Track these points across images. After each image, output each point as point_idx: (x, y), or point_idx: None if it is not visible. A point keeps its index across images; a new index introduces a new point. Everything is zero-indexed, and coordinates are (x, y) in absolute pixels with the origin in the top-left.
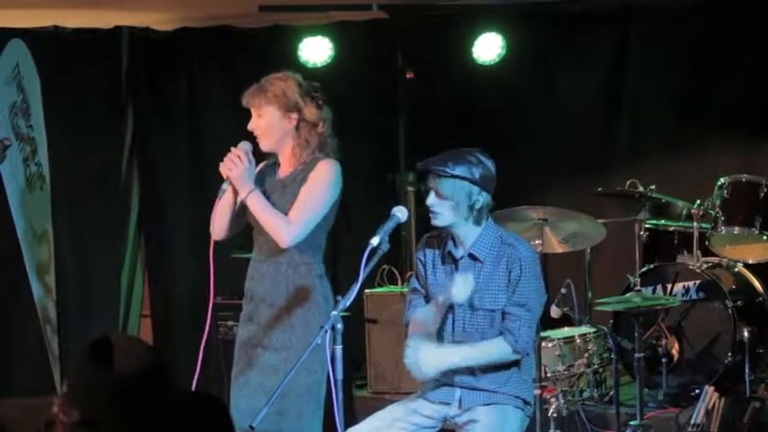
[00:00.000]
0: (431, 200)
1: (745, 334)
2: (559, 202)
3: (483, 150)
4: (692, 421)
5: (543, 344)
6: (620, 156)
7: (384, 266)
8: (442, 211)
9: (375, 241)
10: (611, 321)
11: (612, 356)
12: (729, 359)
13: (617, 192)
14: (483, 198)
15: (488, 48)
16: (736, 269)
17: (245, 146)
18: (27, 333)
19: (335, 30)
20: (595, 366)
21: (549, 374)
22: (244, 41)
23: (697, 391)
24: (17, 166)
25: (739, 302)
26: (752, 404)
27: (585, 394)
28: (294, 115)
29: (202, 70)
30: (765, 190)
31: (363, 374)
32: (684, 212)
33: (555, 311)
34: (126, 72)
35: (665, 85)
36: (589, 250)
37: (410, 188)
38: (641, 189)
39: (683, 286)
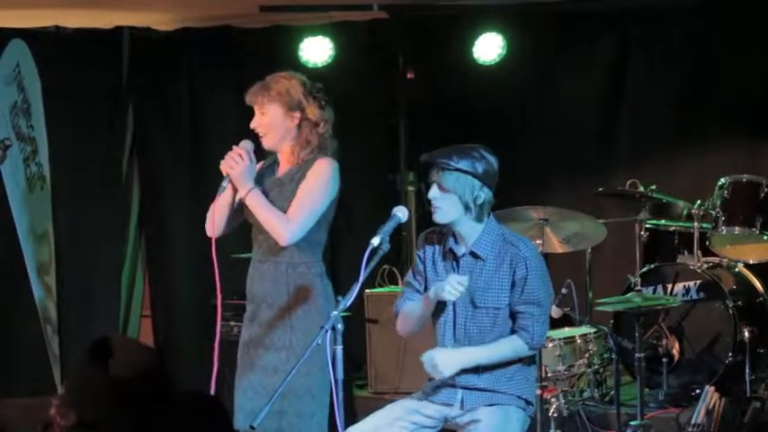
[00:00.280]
0: (433, 193)
1: (746, 334)
2: (560, 202)
3: (487, 147)
4: (693, 421)
5: (544, 344)
6: (621, 156)
7: (384, 266)
8: (444, 206)
9: (376, 241)
10: (612, 321)
11: (613, 356)
12: (730, 359)
13: (617, 192)
14: (485, 194)
15: (489, 48)
16: (736, 269)
17: (246, 144)
18: (28, 333)
19: (336, 30)
20: (596, 366)
21: (549, 374)
22: (244, 42)
23: (698, 391)
24: (18, 166)
25: (740, 302)
26: (752, 404)
27: (586, 394)
28: (296, 114)
29: (203, 70)
30: (766, 190)
31: (364, 374)
32: (685, 212)
33: (555, 311)
34: (127, 72)
35: (666, 84)
36: (590, 250)
37: (411, 188)
38: (642, 189)
39: (684, 286)
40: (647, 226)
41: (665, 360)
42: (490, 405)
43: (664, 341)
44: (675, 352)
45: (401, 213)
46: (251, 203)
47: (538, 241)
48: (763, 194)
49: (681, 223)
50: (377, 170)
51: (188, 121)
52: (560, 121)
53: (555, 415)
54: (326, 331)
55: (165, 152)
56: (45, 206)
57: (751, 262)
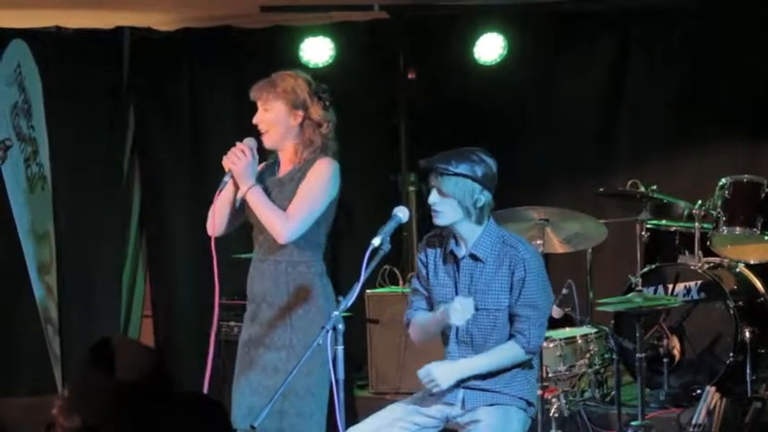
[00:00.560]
0: (433, 198)
1: (747, 334)
2: (561, 202)
3: (485, 149)
4: (694, 421)
5: (545, 344)
6: (622, 156)
7: (385, 267)
8: (444, 210)
9: (376, 242)
10: (613, 322)
11: (614, 357)
12: (731, 359)
13: (618, 192)
14: (485, 197)
15: (490, 48)
16: (737, 269)
17: (249, 141)
18: (28, 333)
19: (337, 30)
20: (597, 367)
21: (550, 375)
22: (245, 42)
23: (698, 391)
24: (18, 166)
25: (741, 303)
26: (753, 404)
27: (587, 394)
28: (300, 113)
29: (204, 71)
30: (767, 190)
31: (365, 375)
32: (686, 213)
33: (556, 312)
34: (127, 72)
35: (666, 84)
36: (590, 250)
37: (412, 188)
38: (642, 189)
39: (685, 286)
40: (648, 226)
41: (665, 360)
42: (491, 405)
43: (665, 341)
44: (676, 352)
45: (402, 214)
46: (251, 200)
47: (538, 241)
48: (763, 195)
49: (682, 223)
50: (377, 170)
51: (188, 121)
52: (561, 122)
53: (556, 415)
54: (327, 331)
55: (166, 152)
56: (46, 206)
57: (752, 262)
